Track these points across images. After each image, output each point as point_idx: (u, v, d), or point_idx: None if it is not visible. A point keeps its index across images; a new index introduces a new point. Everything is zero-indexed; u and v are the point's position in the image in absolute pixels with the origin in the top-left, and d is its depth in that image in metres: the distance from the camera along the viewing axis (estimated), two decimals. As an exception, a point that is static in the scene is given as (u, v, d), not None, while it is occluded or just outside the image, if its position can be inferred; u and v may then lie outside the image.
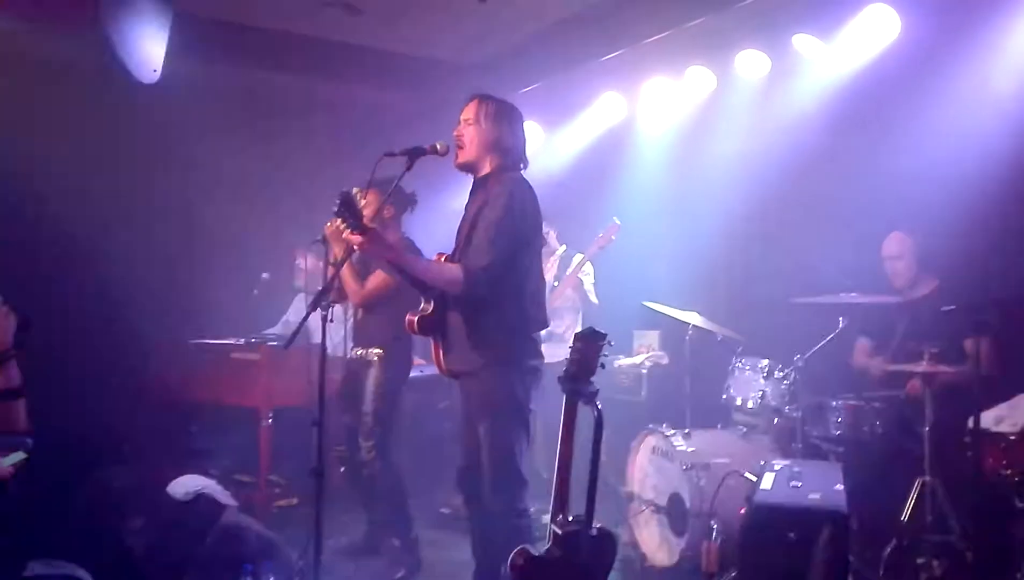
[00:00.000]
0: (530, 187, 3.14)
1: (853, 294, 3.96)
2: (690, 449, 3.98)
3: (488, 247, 2.98)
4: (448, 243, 3.22)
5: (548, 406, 4.53)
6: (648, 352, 5.51)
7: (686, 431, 4.10)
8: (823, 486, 3.20)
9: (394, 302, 3.84)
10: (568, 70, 5.86)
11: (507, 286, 3.03)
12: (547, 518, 2.74)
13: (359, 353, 4.11)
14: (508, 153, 3.16)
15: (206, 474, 3.99)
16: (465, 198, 3.26)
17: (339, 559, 4.22)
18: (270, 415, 4.75)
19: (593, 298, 5.26)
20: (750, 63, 5.09)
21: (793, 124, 4.82)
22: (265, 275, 5.70)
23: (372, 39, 5.72)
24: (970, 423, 3.23)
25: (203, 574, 3.31)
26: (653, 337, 5.65)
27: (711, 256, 5.15)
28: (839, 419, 3.89)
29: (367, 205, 3.60)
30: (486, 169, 3.17)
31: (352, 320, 4.29)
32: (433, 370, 3.41)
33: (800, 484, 3.26)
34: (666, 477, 4.10)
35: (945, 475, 3.44)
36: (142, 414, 5.49)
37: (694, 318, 4.36)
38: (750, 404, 4.16)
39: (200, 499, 3.48)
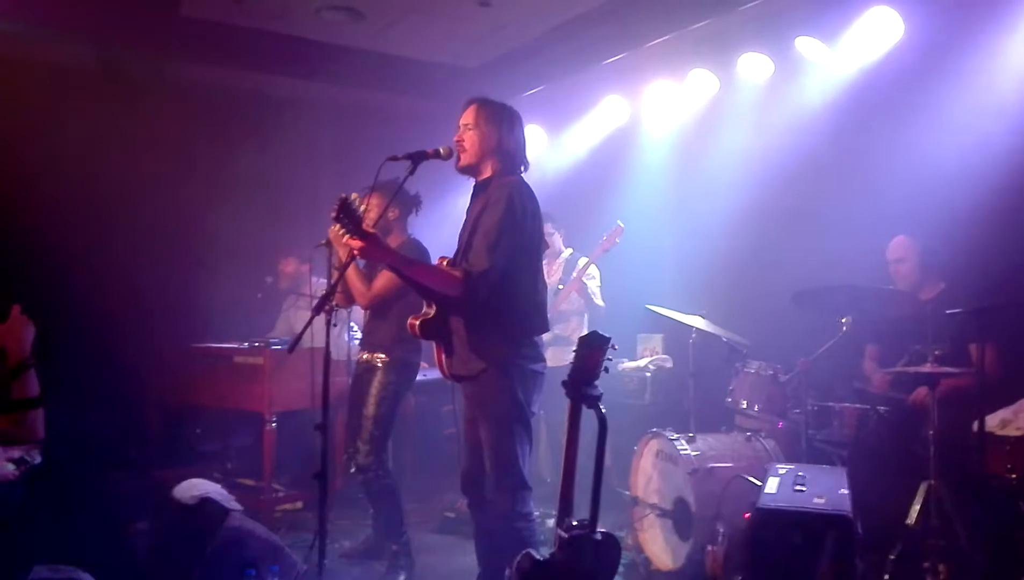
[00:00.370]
0: (531, 190, 3.14)
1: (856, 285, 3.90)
2: (694, 453, 3.96)
3: (488, 251, 2.97)
4: (453, 247, 3.23)
5: (553, 410, 4.57)
6: (652, 356, 5.50)
7: (690, 435, 4.09)
8: (828, 490, 3.19)
9: (401, 306, 3.83)
10: (571, 73, 5.87)
11: (508, 290, 3.02)
12: (552, 522, 2.73)
13: (365, 357, 4.11)
14: (508, 156, 3.16)
15: (211, 478, 3.99)
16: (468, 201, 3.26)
17: (343, 563, 4.24)
18: (274, 419, 4.75)
19: (599, 301, 5.24)
20: (753, 66, 5.09)
21: (796, 127, 4.81)
22: (269, 279, 5.71)
23: (375, 43, 5.72)
24: (975, 426, 3.22)
25: (208, 578, 3.31)
26: (657, 341, 5.65)
27: (715, 259, 5.13)
28: (844, 423, 3.87)
29: (370, 209, 3.59)
30: (487, 173, 3.17)
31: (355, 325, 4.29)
32: (436, 374, 3.41)
33: (805, 488, 3.24)
34: (670, 481, 4.08)
35: (950, 479, 3.42)
36: (147, 419, 5.52)
37: (698, 321, 4.34)
38: (755, 408, 4.15)
39: (205, 503, 3.48)
